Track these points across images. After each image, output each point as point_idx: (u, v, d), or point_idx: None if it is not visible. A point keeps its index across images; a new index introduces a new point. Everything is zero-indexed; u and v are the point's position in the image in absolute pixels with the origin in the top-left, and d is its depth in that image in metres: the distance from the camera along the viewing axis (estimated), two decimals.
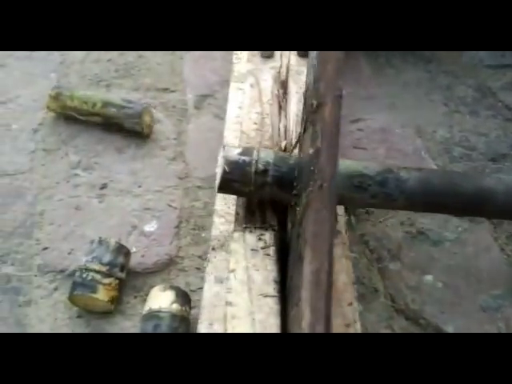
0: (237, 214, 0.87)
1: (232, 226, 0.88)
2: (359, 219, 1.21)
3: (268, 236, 0.81)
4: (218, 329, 0.75)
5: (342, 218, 0.95)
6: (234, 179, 0.82)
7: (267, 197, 0.84)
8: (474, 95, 1.60)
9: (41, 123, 1.43)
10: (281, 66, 1.20)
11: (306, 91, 0.81)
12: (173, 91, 1.57)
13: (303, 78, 1.06)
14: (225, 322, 0.69)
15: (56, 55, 1.66)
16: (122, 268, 1.03)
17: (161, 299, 0.94)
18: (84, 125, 1.40)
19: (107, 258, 1.01)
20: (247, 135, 0.98)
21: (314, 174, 0.63)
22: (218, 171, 0.85)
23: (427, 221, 1.21)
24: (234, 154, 0.83)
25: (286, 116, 1.05)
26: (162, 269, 1.10)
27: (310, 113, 0.69)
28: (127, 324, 1.00)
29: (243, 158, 0.82)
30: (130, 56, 1.67)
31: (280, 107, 1.08)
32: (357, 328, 0.76)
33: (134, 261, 1.09)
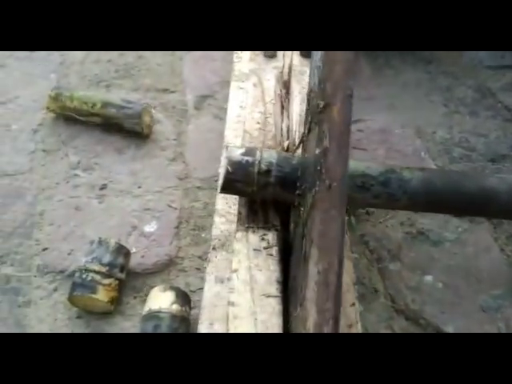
0: (239, 213, 0.86)
1: (233, 226, 0.88)
2: (359, 220, 1.21)
3: (271, 236, 0.81)
4: (218, 329, 0.75)
5: None
6: (237, 179, 0.82)
7: (270, 197, 0.84)
8: (474, 96, 1.61)
9: (40, 124, 1.43)
10: (283, 66, 1.20)
11: (310, 92, 0.81)
12: (173, 92, 1.57)
13: (306, 78, 1.06)
14: (227, 322, 0.68)
15: (56, 56, 1.66)
16: (122, 268, 1.02)
17: (161, 300, 0.93)
18: (84, 125, 1.40)
19: (107, 258, 1.00)
20: (250, 135, 0.98)
21: (321, 173, 0.62)
22: (221, 171, 0.85)
23: (427, 221, 1.21)
24: (237, 154, 0.83)
25: (288, 116, 1.05)
26: (162, 269, 1.10)
27: (316, 113, 0.69)
28: (127, 324, 1.00)
29: (246, 158, 0.82)
30: (130, 56, 1.67)
31: (282, 107, 1.08)
32: (358, 328, 0.75)
33: (134, 261, 1.09)
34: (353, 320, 0.76)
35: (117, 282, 1.00)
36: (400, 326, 1.01)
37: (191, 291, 1.04)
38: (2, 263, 1.09)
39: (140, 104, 1.37)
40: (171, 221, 1.19)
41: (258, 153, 0.83)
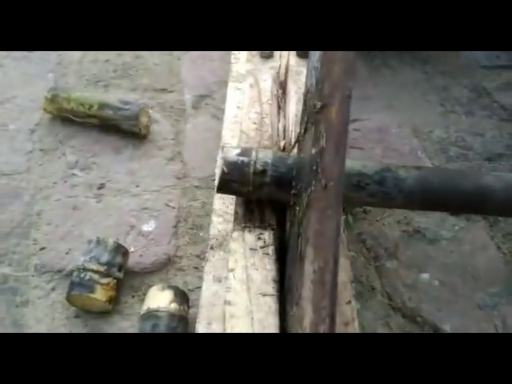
0: (236, 213, 0.87)
1: (230, 226, 0.88)
2: (356, 218, 1.21)
3: (267, 235, 0.82)
4: (216, 328, 0.75)
5: None
6: (233, 180, 0.83)
7: (266, 197, 0.84)
8: (470, 96, 1.61)
9: (38, 123, 1.43)
10: (280, 67, 1.21)
11: (307, 93, 0.81)
12: (170, 91, 1.57)
13: (302, 78, 1.07)
14: (224, 321, 0.69)
15: (53, 55, 1.66)
16: (120, 268, 1.03)
17: (159, 299, 0.94)
18: (81, 125, 1.40)
19: (105, 257, 1.00)
20: (247, 135, 0.98)
21: (317, 173, 0.63)
22: (217, 172, 0.85)
23: (424, 219, 1.21)
24: (233, 154, 0.83)
25: (284, 116, 1.05)
26: (160, 268, 1.10)
27: (312, 113, 0.70)
28: (125, 324, 1.00)
29: (242, 158, 0.83)
30: (128, 56, 1.67)
31: (279, 107, 1.08)
32: (355, 326, 0.76)
33: (132, 260, 1.09)
34: (349, 318, 0.76)
35: (115, 281, 1.01)
36: (397, 323, 1.02)
37: (189, 290, 1.04)
38: (0, 263, 1.09)
39: (137, 105, 1.37)
40: (169, 220, 1.20)
41: (254, 153, 0.83)
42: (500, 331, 1.01)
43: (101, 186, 1.27)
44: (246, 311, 0.69)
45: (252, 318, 0.68)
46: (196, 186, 1.29)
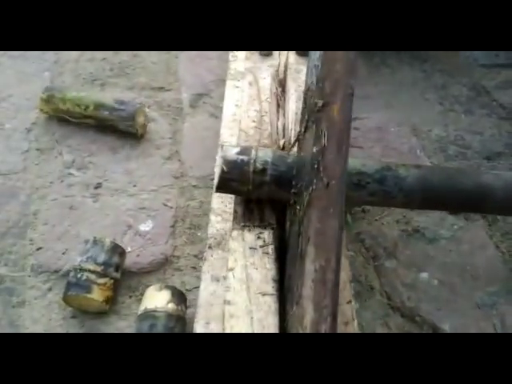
0: (235, 212, 0.86)
1: (229, 225, 0.88)
2: (355, 218, 1.21)
3: (267, 234, 0.81)
4: (214, 328, 0.74)
5: None
6: (233, 179, 0.82)
7: (265, 196, 0.84)
8: (469, 94, 1.61)
9: (34, 122, 1.42)
10: (279, 65, 1.20)
11: (307, 91, 0.81)
12: (168, 90, 1.56)
13: (302, 76, 1.06)
14: (223, 321, 0.68)
15: (50, 54, 1.65)
16: (117, 268, 1.02)
17: (156, 299, 0.93)
18: (78, 124, 1.39)
19: (102, 257, 0.99)
20: (246, 133, 0.97)
21: (318, 172, 0.62)
22: (216, 171, 0.84)
23: (423, 219, 1.21)
24: (233, 153, 0.83)
25: (284, 114, 1.05)
26: (158, 268, 1.10)
27: (313, 112, 0.69)
28: (122, 324, 0.99)
29: (241, 157, 0.82)
30: (125, 55, 1.66)
31: (278, 105, 1.08)
32: (355, 326, 0.75)
33: (129, 260, 1.08)
34: (349, 317, 0.76)
35: (112, 281, 1.00)
36: (396, 323, 1.02)
37: (187, 290, 1.04)
38: None
39: (133, 105, 1.35)
40: (167, 220, 1.19)
41: (253, 152, 0.83)
42: (499, 330, 1.01)
43: (98, 186, 1.25)
44: (246, 311, 0.69)
45: (252, 318, 0.68)
46: (194, 186, 1.28)
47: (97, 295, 0.96)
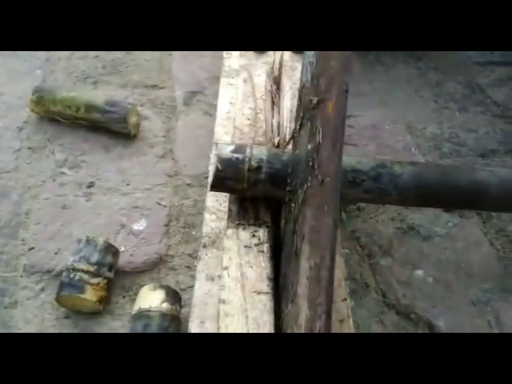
0: (230, 210, 0.85)
1: (223, 223, 0.87)
2: (350, 215, 1.21)
3: (262, 233, 0.80)
4: (209, 327, 0.74)
5: None
6: (227, 177, 0.81)
7: (260, 194, 0.83)
8: (463, 92, 1.62)
9: (26, 121, 1.40)
10: (274, 62, 1.19)
11: (302, 88, 0.80)
12: (161, 88, 1.55)
13: (297, 73, 1.05)
14: (218, 320, 0.67)
15: (42, 52, 1.62)
16: (111, 267, 1.01)
17: (151, 298, 0.92)
18: (70, 124, 1.37)
19: (95, 257, 0.98)
20: (240, 131, 0.97)
21: (313, 169, 0.62)
22: (211, 169, 0.84)
23: (417, 216, 1.21)
24: (227, 151, 0.82)
25: (279, 112, 1.04)
26: (152, 268, 1.09)
27: (308, 109, 0.69)
28: (116, 324, 0.98)
29: (236, 155, 0.81)
30: (118, 52, 1.64)
31: (273, 103, 1.07)
32: (350, 323, 0.75)
33: (123, 260, 1.07)
34: (344, 315, 0.75)
35: (105, 281, 0.99)
36: (391, 320, 1.02)
37: (181, 290, 1.03)
38: None
39: (124, 106, 1.33)
40: (160, 219, 1.18)
41: (248, 150, 0.82)
42: (493, 327, 1.01)
43: (90, 185, 1.24)
44: (241, 309, 0.68)
45: (247, 317, 0.67)
46: (188, 184, 1.27)
47: (90, 295, 0.95)
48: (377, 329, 1.00)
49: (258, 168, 0.80)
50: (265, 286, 0.72)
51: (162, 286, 0.95)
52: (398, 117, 1.50)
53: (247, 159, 0.81)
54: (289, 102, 1.02)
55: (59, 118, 1.36)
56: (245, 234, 0.80)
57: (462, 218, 1.22)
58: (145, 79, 1.56)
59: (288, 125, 0.96)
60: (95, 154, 1.32)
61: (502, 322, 1.01)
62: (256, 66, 1.17)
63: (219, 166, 0.81)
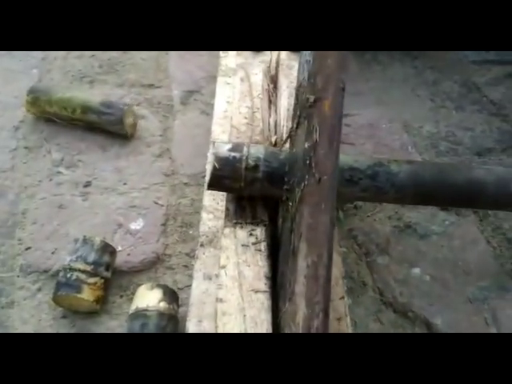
0: (227, 209, 0.85)
1: (220, 222, 0.87)
2: (347, 214, 1.21)
3: (259, 231, 0.80)
4: (207, 326, 0.74)
5: None
6: (225, 176, 0.81)
7: (258, 193, 0.83)
8: (460, 90, 1.62)
9: (22, 120, 1.39)
10: (271, 61, 1.19)
11: (299, 87, 0.80)
12: (158, 87, 1.54)
13: (294, 72, 1.05)
14: (215, 319, 0.67)
15: (38, 51, 1.62)
16: (108, 267, 1.00)
17: (148, 298, 0.92)
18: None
19: (92, 257, 0.98)
20: (237, 130, 0.97)
21: (310, 167, 0.62)
22: (208, 168, 0.84)
23: (414, 215, 1.21)
24: (224, 150, 0.82)
25: (276, 111, 1.04)
26: (149, 267, 1.08)
27: (305, 108, 0.69)
28: (113, 324, 0.98)
29: (233, 154, 0.81)
30: (114, 51, 1.64)
31: (270, 102, 1.07)
32: (347, 322, 0.75)
33: (120, 259, 1.07)
34: (342, 313, 0.75)
35: (102, 280, 0.98)
36: (388, 318, 1.02)
37: (179, 289, 1.03)
38: None
39: (120, 108, 1.31)
40: (158, 218, 1.18)
41: (245, 148, 0.82)
42: (490, 325, 1.02)
43: (87, 184, 1.24)
44: (238, 308, 0.68)
45: (244, 315, 0.67)
46: (185, 183, 1.27)
47: (87, 295, 0.95)
48: (374, 327, 1.00)
49: (255, 167, 0.80)
50: (262, 284, 0.72)
51: (159, 286, 0.94)
52: (395, 116, 1.50)
53: (244, 158, 0.81)
54: (286, 100, 1.02)
55: (55, 118, 1.35)
56: (242, 233, 0.80)
57: (458, 217, 1.22)
58: (141, 78, 1.56)
59: (285, 123, 0.96)
60: (92, 154, 1.31)
61: (499, 320, 1.02)
62: (253, 65, 1.17)
63: (216, 165, 0.81)
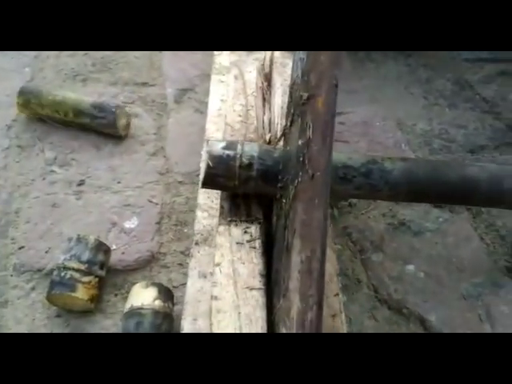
0: (221, 207, 0.85)
1: (215, 220, 0.87)
2: (342, 212, 1.21)
3: (254, 229, 0.80)
4: (202, 324, 0.74)
5: None
6: (219, 174, 0.81)
7: (252, 190, 0.83)
8: (453, 88, 1.63)
9: (14, 119, 1.38)
10: (265, 58, 1.19)
11: (293, 84, 0.80)
12: (152, 85, 1.54)
13: (287, 70, 1.05)
14: (210, 317, 0.67)
15: None
16: (102, 266, 1.00)
17: (143, 296, 0.92)
18: None
19: (86, 255, 0.98)
20: (232, 127, 0.97)
21: (303, 164, 0.62)
22: (202, 166, 0.83)
23: (408, 212, 1.22)
24: (218, 148, 0.82)
25: (270, 108, 1.04)
26: (144, 266, 1.08)
27: (299, 105, 0.69)
28: (108, 323, 0.98)
29: (227, 152, 0.81)
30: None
31: (264, 100, 1.07)
32: (342, 318, 0.76)
33: (115, 258, 1.07)
34: (337, 310, 0.76)
35: (97, 279, 0.98)
36: (383, 315, 1.02)
37: (174, 287, 1.02)
38: None
39: (112, 110, 1.30)
40: (152, 216, 1.17)
41: (239, 146, 0.82)
42: (484, 321, 1.02)
43: (80, 183, 1.23)
44: (233, 306, 0.68)
45: (239, 313, 0.67)
46: (179, 182, 1.27)
47: (81, 294, 0.95)
48: (369, 324, 1.01)
49: (250, 165, 0.80)
50: (257, 281, 0.72)
51: (154, 284, 0.94)
52: (389, 113, 1.51)
53: (238, 156, 0.80)
54: (280, 98, 1.02)
55: (48, 120, 1.34)
56: (237, 231, 0.80)
57: (452, 214, 1.23)
58: (135, 76, 1.55)
59: (279, 121, 0.96)
60: (85, 152, 1.31)
61: (493, 316, 1.03)
62: (247, 63, 1.17)
63: (210, 163, 0.80)
